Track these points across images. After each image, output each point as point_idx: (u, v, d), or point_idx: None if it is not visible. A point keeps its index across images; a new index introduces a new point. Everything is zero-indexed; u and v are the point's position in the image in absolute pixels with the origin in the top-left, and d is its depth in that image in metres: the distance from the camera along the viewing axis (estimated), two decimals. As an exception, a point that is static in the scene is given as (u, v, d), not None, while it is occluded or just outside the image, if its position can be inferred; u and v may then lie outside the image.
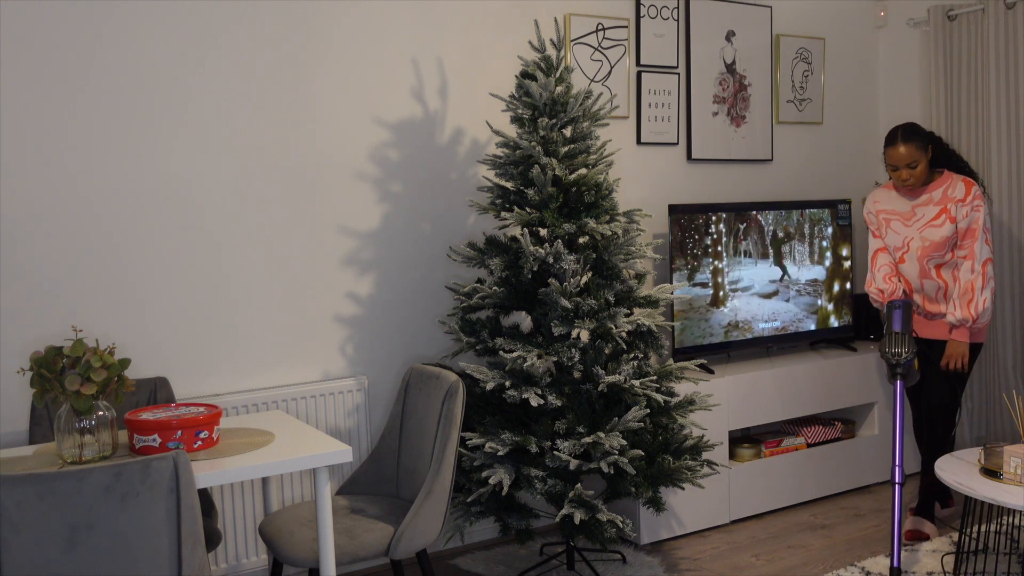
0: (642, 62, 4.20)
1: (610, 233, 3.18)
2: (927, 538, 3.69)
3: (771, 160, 4.66)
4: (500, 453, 3.06)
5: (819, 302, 4.51)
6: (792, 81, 4.72)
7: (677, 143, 4.34)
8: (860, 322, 4.71)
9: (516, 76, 3.34)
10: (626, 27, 4.13)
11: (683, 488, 3.39)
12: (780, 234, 4.36)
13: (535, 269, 3.20)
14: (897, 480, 3.27)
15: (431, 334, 3.76)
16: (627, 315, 3.24)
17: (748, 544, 3.84)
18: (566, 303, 3.10)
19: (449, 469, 2.83)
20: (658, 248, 4.18)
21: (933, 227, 3.72)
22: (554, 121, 3.22)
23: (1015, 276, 4.46)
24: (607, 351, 3.28)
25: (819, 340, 4.61)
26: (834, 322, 4.56)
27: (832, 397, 4.35)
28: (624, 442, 3.08)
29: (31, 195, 3.00)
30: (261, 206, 3.40)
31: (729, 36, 4.47)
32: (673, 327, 3.98)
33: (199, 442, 2.57)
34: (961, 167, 3.84)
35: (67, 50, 3.02)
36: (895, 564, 3.20)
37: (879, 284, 3.91)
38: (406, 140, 3.67)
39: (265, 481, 3.14)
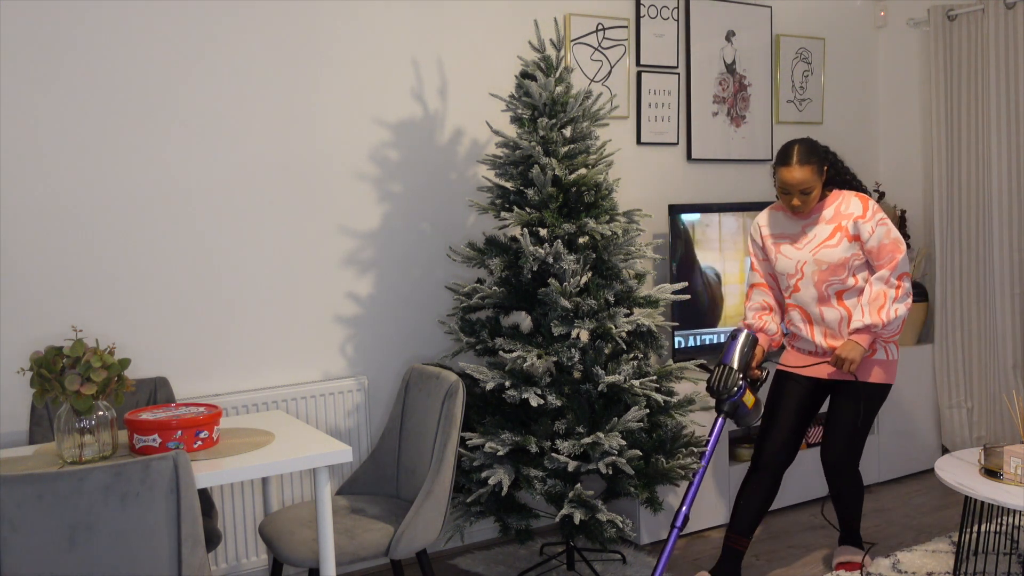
0: (642, 62, 4.20)
1: (610, 233, 3.18)
2: (859, 567, 3.47)
3: (771, 160, 4.66)
4: (500, 453, 3.07)
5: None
6: (792, 81, 4.72)
7: (677, 143, 4.34)
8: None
9: (516, 76, 3.33)
10: (626, 27, 4.13)
11: (679, 486, 3.39)
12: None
13: (535, 269, 3.20)
14: (677, 524, 3.01)
15: (431, 334, 3.76)
16: (627, 315, 3.24)
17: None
18: (566, 303, 3.10)
19: (449, 469, 2.83)
20: (658, 248, 4.18)
21: (828, 247, 3.26)
22: (554, 121, 3.22)
23: (1015, 276, 4.46)
24: (607, 351, 3.28)
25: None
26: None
27: (832, 397, 4.35)
28: (623, 442, 3.08)
29: (31, 195, 3.00)
30: (261, 206, 3.40)
31: (729, 36, 4.47)
32: (673, 328, 3.98)
33: (199, 442, 2.57)
34: (853, 185, 3.41)
35: (66, 50, 3.02)
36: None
37: (748, 320, 3.45)
38: (406, 140, 3.67)
39: (265, 481, 3.14)
